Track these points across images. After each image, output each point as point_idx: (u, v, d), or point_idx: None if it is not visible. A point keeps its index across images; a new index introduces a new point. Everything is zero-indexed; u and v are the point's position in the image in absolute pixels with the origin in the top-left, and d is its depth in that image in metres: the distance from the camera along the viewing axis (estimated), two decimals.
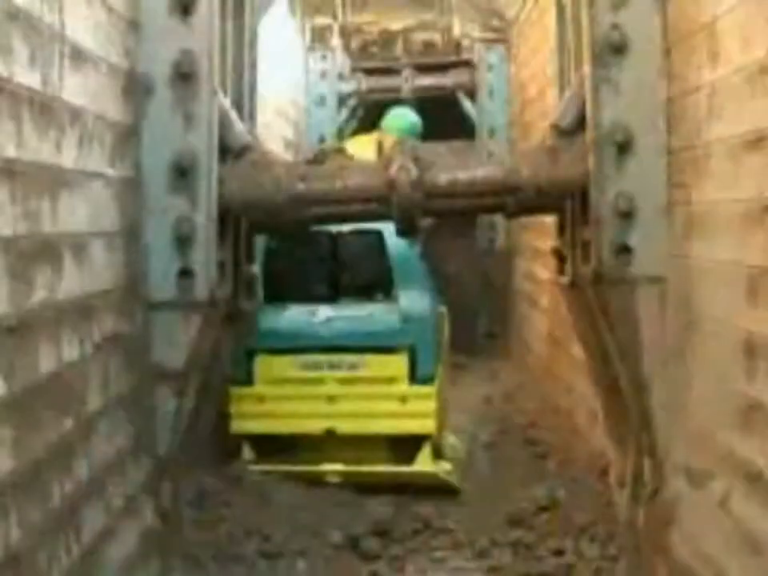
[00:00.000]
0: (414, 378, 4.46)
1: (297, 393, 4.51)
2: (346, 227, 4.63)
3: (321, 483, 4.42)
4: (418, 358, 4.45)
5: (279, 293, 4.61)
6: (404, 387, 4.47)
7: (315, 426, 4.48)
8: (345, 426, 4.47)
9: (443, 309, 5.43)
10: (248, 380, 4.48)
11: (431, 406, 4.47)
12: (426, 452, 4.50)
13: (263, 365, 4.49)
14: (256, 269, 4.00)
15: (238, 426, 4.51)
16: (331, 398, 4.50)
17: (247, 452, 4.54)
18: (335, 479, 4.41)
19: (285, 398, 4.51)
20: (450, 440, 5.32)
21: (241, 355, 4.38)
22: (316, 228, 4.36)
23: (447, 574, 3.88)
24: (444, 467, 4.62)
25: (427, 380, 4.48)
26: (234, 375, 4.40)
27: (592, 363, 3.92)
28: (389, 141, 6.94)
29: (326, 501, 4.61)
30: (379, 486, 4.41)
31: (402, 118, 7.15)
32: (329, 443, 4.51)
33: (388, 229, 4.24)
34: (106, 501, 2.89)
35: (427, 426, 4.46)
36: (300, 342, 4.49)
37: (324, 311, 4.58)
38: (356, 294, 4.71)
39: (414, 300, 4.49)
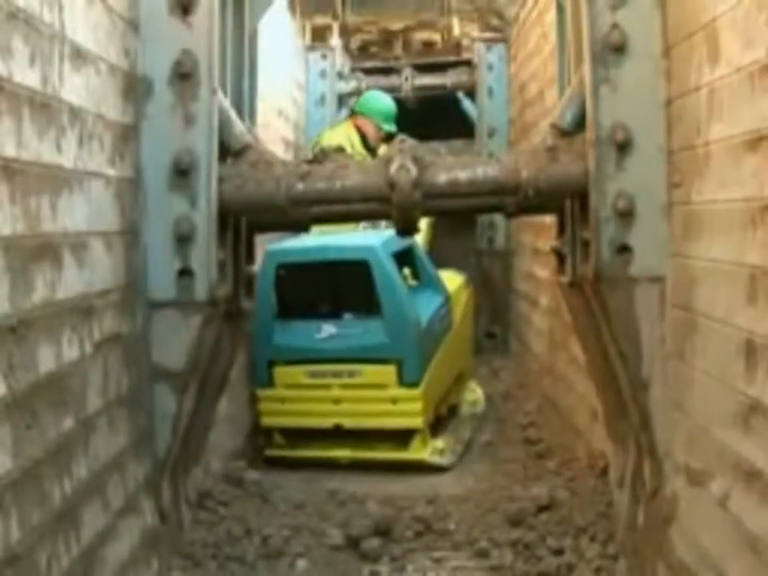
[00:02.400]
0: (402, 383, 5.20)
1: (309, 396, 5.31)
2: (340, 259, 5.34)
3: (333, 466, 5.20)
4: (404, 368, 5.20)
5: (289, 311, 5.38)
6: (394, 391, 5.22)
7: (326, 422, 5.30)
8: (349, 422, 5.26)
9: (463, 279, 6.71)
10: (270, 384, 5.33)
11: (417, 405, 5.21)
12: (416, 441, 5.26)
13: (281, 373, 5.32)
14: (255, 269, 4.01)
15: (266, 421, 5.40)
16: (336, 400, 5.28)
17: (278, 438, 5.41)
18: (345, 462, 5.23)
19: (300, 400, 5.32)
20: (471, 397, 6.37)
21: (264, 365, 5.33)
22: (316, 260, 5.31)
23: (447, 574, 3.88)
24: (437, 446, 5.35)
25: (413, 384, 5.21)
26: (259, 380, 5.36)
27: (592, 363, 3.92)
28: (368, 127, 7.04)
29: (326, 501, 4.62)
30: (382, 467, 5.15)
31: (379, 99, 7.22)
32: (338, 435, 5.29)
33: (375, 257, 5.17)
34: (106, 500, 2.89)
35: (415, 422, 5.24)
36: (308, 355, 5.29)
37: (327, 329, 5.32)
38: (353, 311, 5.41)
39: (398, 319, 5.20)
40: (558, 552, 3.84)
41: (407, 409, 5.20)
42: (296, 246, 5.44)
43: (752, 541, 2.44)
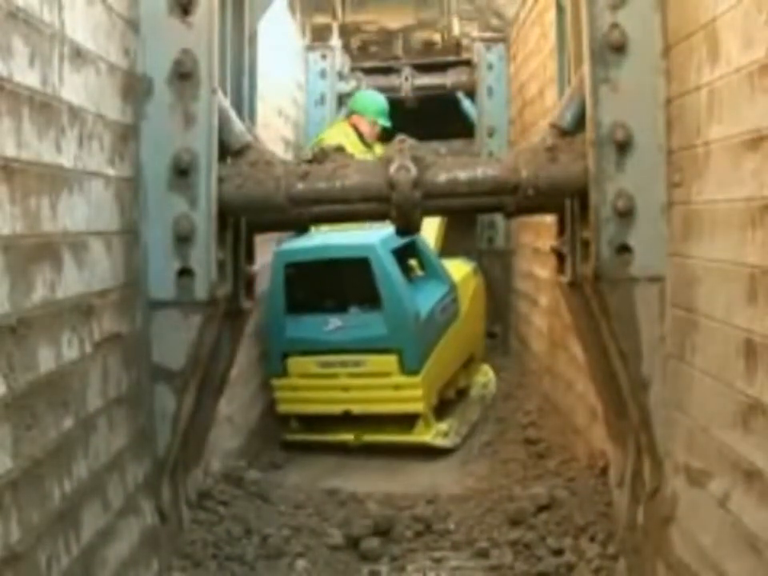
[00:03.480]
0: (403, 371, 5.51)
1: (319, 384, 5.64)
2: (343, 257, 5.61)
3: (343, 449, 5.57)
4: (404, 357, 5.50)
5: (299, 306, 5.67)
6: (396, 379, 5.52)
7: (336, 408, 5.62)
8: (357, 408, 5.58)
9: (471, 267, 7.10)
10: (284, 374, 5.66)
11: (418, 392, 5.53)
12: (420, 424, 5.60)
13: (293, 363, 5.65)
14: (255, 269, 4.01)
15: (282, 408, 5.76)
16: (344, 388, 5.61)
17: (294, 424, 5.80)
18: (354, 445, 5.58)
19: (311, 388, 5.66)
20: (483, 379, 6.80)
21: (278, 356, 5.66)
22: (321, 258, 5.60)
23: (447, 574, 3.88)
24: (440, 429, 5.68)
25: (413, 372, 5.52)
26: (274, 370, 5.69)
27: (591, 362, 3.92)
28: (363, 124, 7.23)
29: (326, 501, 4.63)
30: (389, 451, 5.49)
31: (371, 96, 7.44)
32: (347, 420, 5.62)
33: (374, 254, 5.43)
34: (106, 500, 2.89)
35: (416, 406, 5.57)
36: (318, 346, 5.62)
37: (334, 322, 5.63)
38: (358, 305, 5.71)
39: (398, 312, 5.50)
40: (558, 552, 3.84)
41: (409, 395, 5.52)
42: (302, 245, 5.71)
43: (752, 540, 2.44)
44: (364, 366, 5.54)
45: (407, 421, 5.59)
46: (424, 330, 5.65)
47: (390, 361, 5.50)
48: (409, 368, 5.50)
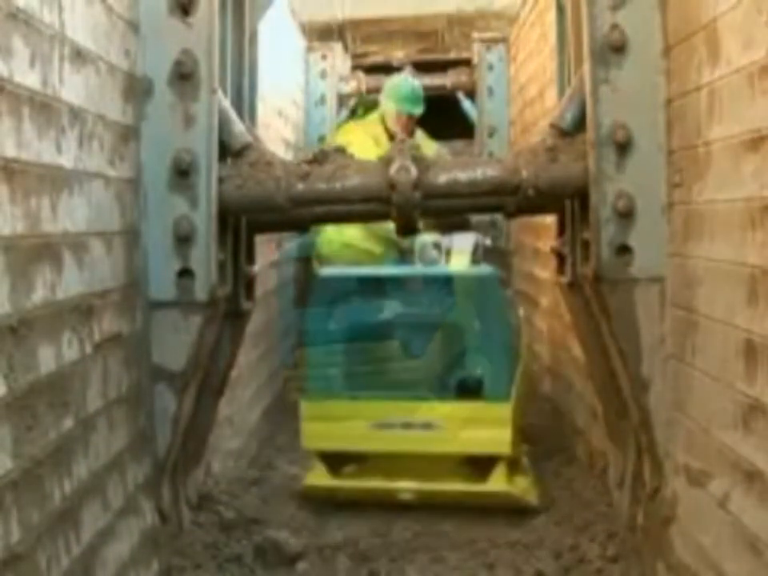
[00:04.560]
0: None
1: None
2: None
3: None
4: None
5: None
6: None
7: None
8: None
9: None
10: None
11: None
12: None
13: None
14: (256, 269, 4.01)
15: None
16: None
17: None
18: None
19: None
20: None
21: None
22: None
23: (447, 574, 3.88)
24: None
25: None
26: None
27: (591, 363, 3.92)
28: (390, 114, 7.05)
29: (326, 501, 4.62)
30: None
31: (404, 85, 7.29)
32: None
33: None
34: (106, 501, 2.89)
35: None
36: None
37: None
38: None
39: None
40: (558, 553, 3.84)
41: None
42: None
43: (752, 541, 2.44)
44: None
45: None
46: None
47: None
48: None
